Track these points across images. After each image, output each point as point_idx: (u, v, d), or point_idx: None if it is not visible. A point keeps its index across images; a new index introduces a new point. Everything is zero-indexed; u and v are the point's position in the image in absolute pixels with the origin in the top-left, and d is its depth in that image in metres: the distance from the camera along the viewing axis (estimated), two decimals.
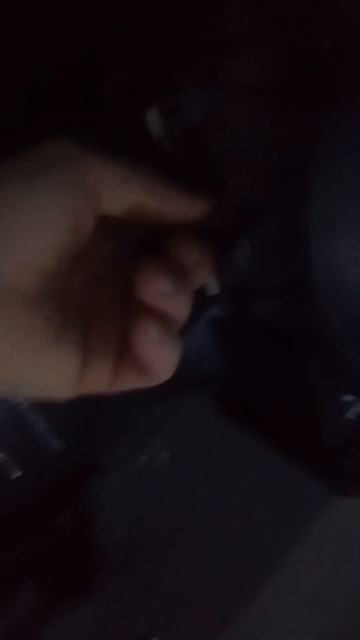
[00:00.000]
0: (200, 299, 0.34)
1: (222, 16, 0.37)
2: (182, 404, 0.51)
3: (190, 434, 0.53)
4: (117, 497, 0.51)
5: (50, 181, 0.28)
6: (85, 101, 0.41)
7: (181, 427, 0.53)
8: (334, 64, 0.34)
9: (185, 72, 0.37)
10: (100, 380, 0.31)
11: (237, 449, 0.54)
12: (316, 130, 0.32)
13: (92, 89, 0.40)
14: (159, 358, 0.30)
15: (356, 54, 0.34)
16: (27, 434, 0.39)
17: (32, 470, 0.40)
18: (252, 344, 0.39)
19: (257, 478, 0.55)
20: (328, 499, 0.56)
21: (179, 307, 0.31)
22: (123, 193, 0.30)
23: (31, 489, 0.41)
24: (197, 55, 0.37)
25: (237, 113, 0.36)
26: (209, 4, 0.37)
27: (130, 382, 0.31)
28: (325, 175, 0.31)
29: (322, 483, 0.41)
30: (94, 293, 0.32)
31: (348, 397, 0.37)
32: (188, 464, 0.54)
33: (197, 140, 0.37)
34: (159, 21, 0.40)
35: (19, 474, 0.40)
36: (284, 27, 0.35)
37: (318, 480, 0.41)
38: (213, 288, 0.37)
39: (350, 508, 0.57)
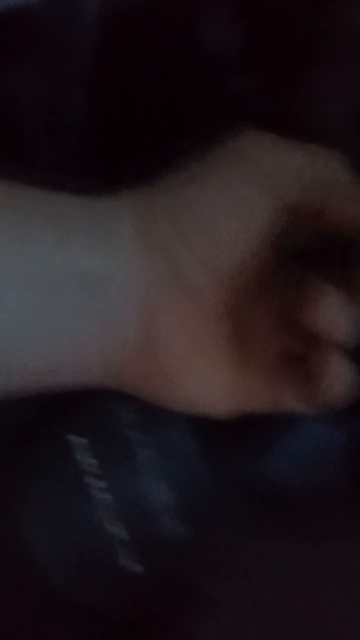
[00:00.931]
0: None
1: None
2: None
3: None
4: None
5: (241, 183, 0.29)
6: None
7: None
8: None
9: None
10: (258, 395, 0.30)
11: None
12: None
13: None
14: (335, 381, 0.29)
15: None
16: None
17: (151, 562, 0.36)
18: None
19: None
20: None
21: (347, 329, 0.29)
22: (300, 179, 0.29)
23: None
24: None
25: None
26: None
27: (293, 401, 0.30)
28: None
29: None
30: (252, 303, 0.31)
31: None
32: None
33: None
34: None
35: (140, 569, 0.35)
36: None
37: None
38: None
39: None
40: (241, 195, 0.29)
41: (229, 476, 0.40)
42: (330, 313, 0.28)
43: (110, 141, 0.38)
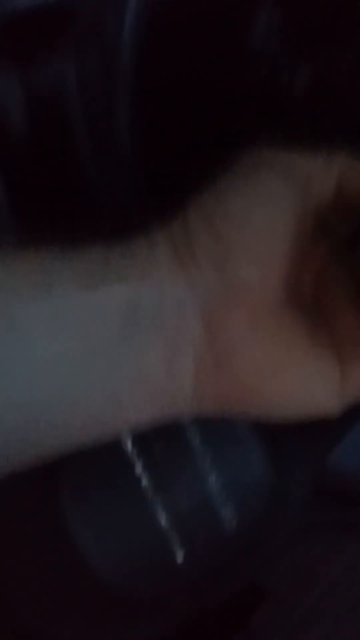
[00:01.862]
0: None
1: None
2: None
3: None
4: None
5: (268, 184, 0.28)
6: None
7: None
8: None
9: None
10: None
11: None
12: None
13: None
14: None
15: None
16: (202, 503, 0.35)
17: (199, 553, 0.35)
18: None
19: None
20: None
21: None
22: (327, 176, 0.29)
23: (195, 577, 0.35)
24: None
25: None
26: None
27: None
28: None
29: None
30: (323, 292, 0.30)
31: None
32: None
33: None
34: None
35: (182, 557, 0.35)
36: None
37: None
38: None
39: None
40: (269, 192, 0.29)
41: (293, 472, 0.39)
42: None
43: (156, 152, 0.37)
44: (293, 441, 0.37)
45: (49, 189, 0.37)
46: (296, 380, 0.28)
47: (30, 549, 0.36)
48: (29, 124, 0.36)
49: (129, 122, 0.37)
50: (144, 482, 0.34)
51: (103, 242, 0.28)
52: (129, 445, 0.34)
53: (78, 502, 0.35)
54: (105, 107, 0.37)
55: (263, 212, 0.28)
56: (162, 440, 0.34)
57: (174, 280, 0.27)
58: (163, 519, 0.35)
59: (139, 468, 0.34)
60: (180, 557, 0.35)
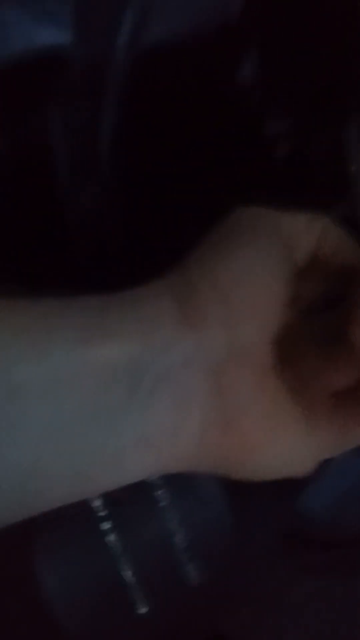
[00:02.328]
0: None
1: None
2: None
3: None
4: None
5: (259, 245, 0.29)
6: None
7: None
8: None
9: None
10: (330, 441, 0.29)
11: None
12: None
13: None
14: None
15: None
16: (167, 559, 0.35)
17: (162, 605, 0.35)
18: None
19: None
20: None
21: None
22: (308, 235, 0.30)
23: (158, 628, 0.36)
24: None
25: None
26: None
27: (356, 437, 0.30)
28: None
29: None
30: (295, 352, 0.30)
31: None
32: None
33: None
34: None
35: (145, 609, 0.35)
36: None
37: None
38: None
39: None
40: (262, 254, 0.29)
41: (260, 522, 0.39)
42: None
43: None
44: (260, 491, 0.38)
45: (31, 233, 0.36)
46: (291, 443, 0.28)
47: None
48: (12, 169, 0.35)
49: (113, 169, 0.36)
50: (112, 538, 0.35)
51: (98, 291, 0.27)
52: (99, 502, 0.34)
53: (47, 553, 0.35)
54: (90, 155, 0.36)
55: (261, 270, 0.28)
56: (131, 499, 0.35)
57: (180, 338, 0.26)
58: (128, 574, 0.35)
59: (107, 525, 0.35)
60: (143, 609, 0.35)
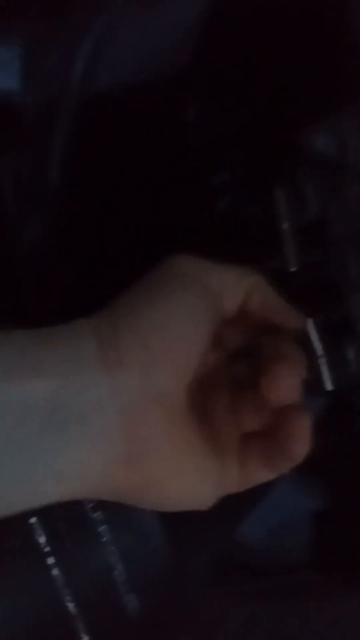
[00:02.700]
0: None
1: None
2: None
3: None
4: None
5: (185, 294, 0.31)
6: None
7: None
8: None
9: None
10: (233, 479, 0.32)
11: None
12: None
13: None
14: (303, 445, 0.31)
15: None
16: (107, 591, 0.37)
17: (103, 635, 0.37)
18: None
19: None
20: None
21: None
22: (236, 289, 0.33)
23: None
24: None
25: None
26: None
27: (259, 476, 0.32)
28: None
29: None
30: (208, 397, 0.33)
31: None
32: None
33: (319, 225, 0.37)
34: None
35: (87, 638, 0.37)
36: None
37: None
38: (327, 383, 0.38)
39: None
40: (187, 303, 0.31)
41: (197, 551, 0.41)
42: (286, 380, 0.31)
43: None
44: (198, 522, 0.40)
45: None
46: (193, 480, 0.31)
47: None
48: None
49: (61, 205, 0.38)
50: (56, 572, 0.37)
51: (22, 326, 0.29)
52: (42, 537, 0.36)
53: None
54: (37, 192, 0.38)
55: (183, 323, 0.30)
56: (74, 534, 0.37)
57: (97, 381, 0.28)
58: (71, 606, 0.37)
59: (51, 559, 0.37)
60: (86, 639, 0.37)
